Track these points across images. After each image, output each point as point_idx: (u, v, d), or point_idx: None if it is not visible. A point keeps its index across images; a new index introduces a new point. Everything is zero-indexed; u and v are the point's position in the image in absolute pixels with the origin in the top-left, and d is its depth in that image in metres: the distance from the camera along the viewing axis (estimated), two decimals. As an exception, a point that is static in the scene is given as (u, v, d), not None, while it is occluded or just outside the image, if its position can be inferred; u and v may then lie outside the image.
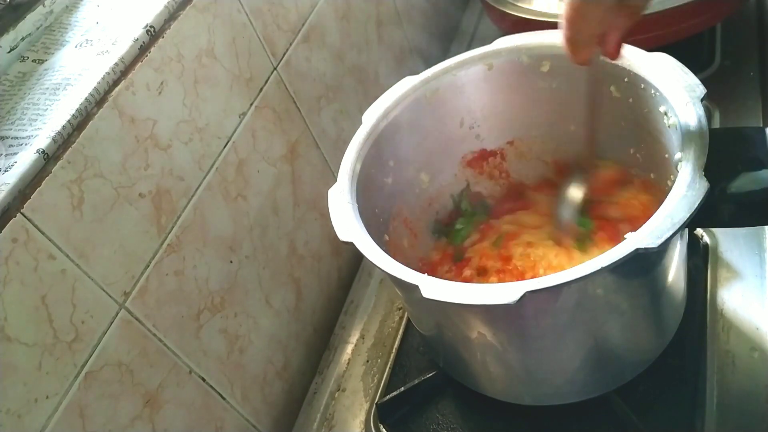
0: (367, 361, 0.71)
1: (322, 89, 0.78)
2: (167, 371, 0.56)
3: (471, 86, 0.64)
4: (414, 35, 1.01)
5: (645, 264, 0.49)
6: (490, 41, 0.63)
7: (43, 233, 0.46)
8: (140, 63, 0.53)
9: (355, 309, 0.77)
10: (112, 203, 0.51)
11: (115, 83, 0.52)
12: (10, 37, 0.56)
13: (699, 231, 0.66)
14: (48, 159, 0.47)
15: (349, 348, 0.73)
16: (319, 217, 0.77)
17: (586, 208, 0.61)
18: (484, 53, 0.63)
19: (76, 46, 0.56)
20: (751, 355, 0.57)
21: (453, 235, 0.68)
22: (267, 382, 0.69)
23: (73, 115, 0.49)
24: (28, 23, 0.57)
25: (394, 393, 0.64)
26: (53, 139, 0.47)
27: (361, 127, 0.60)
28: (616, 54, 0.48)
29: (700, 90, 0.50)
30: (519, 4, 0.85)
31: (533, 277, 0.55)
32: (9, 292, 0.44)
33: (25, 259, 0.44)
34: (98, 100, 0.51)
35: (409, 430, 0.62)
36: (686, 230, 0.54)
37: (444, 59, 0.64)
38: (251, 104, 0.66)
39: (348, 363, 0.72)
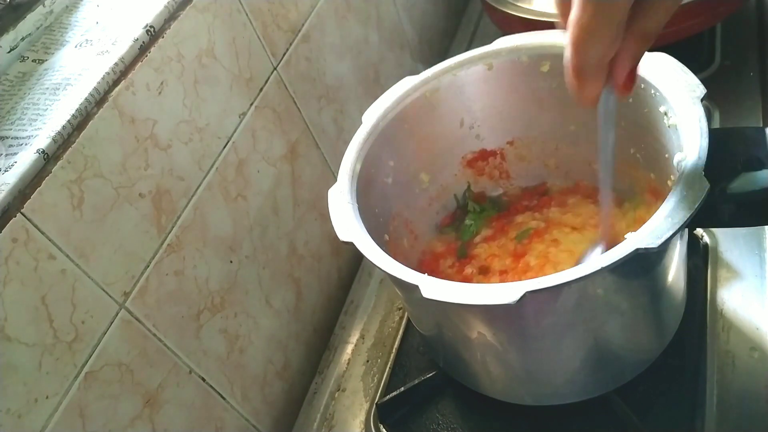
0: (367, 361, 0.71)
1: (322, 89, 0.78)
2: (167, 371, 0.56)
3: (471, 86, 0.64)
4: (414, 35, 1.01)
5: (645, 264, 0.49)
6: (490, 41, 0.63)
7: (43, 233, 0.46)
8: (140, 63, 0.53)
9: (355, 309, 0.77)
10: (112, 203, 0.51)
11: (115, 83, 0.52)
12: (10, 37, 0.56)
13: (699, 231, 0.66)
14: (48, 159, 0.47)
15: (349, 348, 0.73)
16: (319, 217, 0.77)
17: None
18: (484, 53, 0.63)
19: (76, 46, 0.56)
20: (751, 355, 0.57)
21: (463, 230, 0.68)
22: (267, 382, 0.69)
23: (73, 115, 0.49)
24: (28, 23, 0.57)
25: (394, 393, 0.64)
26: (53, 139, 0.47)
27: (361, 127, 0.60)
28: (629, 88, 0.41)
29: (700, 90, 0.50)
30: (519, 4, 0.85)
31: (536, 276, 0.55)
32: (9, 292, 0.44)
33: (25, 259, 0.44)
34: (98, 100, 0.51)
35: (409, 430, 0.62)
36: (686, 230, 0.54)
37: (444, 59, 0.64)
38: (251, 104, 0.66)
39: (348, 363, 0.72)
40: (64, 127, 0.48)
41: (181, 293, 0.58)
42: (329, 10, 0.79)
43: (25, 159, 0.46)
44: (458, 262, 0.66)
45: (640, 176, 0.60)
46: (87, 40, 0.56)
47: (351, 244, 0.51)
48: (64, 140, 0.48)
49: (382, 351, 0.71)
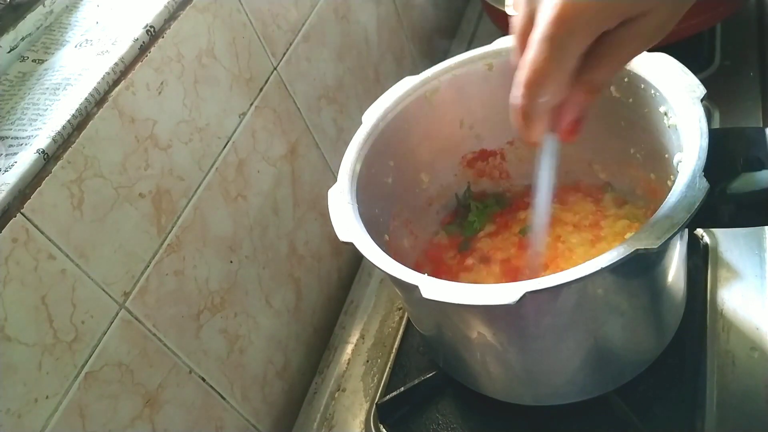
0: (367, 361, 0.71)
1: (322, 89, 0.78)
2: (167, 371, 0.56)
3: (471, 86, 0.64)
4: (414, 35, 1.01)
5: (645, 264, 0.49)
6: (490, 41, 0.63)
7: (43, 233, 0.46)
8: (140, 63, 0.53)
9: (355, 309, 0.77)
10: (112, 203, 0.51)
11: (115, 83, 0.52)
12: (10, 37, 0.56)
13: (699, 231, 0.66)
14: (48, 159, 0.47)
15: (349, 348, 0.73)
16: (319, 217, 0.77)
17: None
18: (484, 53, 0.63)
19: (76, 46, 0.56)
20: (751, 355, 0.57)
21: (465, 227, 0.69)
22: (267, 382, 0.69)
23: (73, 115, 0.49)
24: (28, 23, 0.57)
25: (394, 393, 0.64)
26: (53, 139, 0.47)
27: (361, 127, 0.60)
28: (572, 135, 0.42)
29: (700, 90, 0.50)
30: (519, 4, 0.85)
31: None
32: (9, 292, 0.44)
33: (25, 259, 0.44)
34: (98, 100, 0.51)
35: (409, 430, 0.62)
36: (686, 230, 0.54)
37: (444, 59, 0.64)
38: (251, 104, 0.66)
39: (348, 363, 0.72)
40: (64, 127, 0.48)
41: (181, 293, 0.58)
42: (329, 10, 0.79)
43: (25, 159, 0.46)
44: (459, 254, 0.66)
45: (640, 176, 0.60)
46: (87, 40, 0.56)
47: (351, 245, 0.51)
48: (64, 140, 0.48)
49: (382, 351, 0.71)
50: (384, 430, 0.63)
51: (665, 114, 0.51)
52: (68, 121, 0.48)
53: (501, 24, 0.90)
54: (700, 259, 0.64)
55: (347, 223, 0.52)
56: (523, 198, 0.69)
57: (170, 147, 0.57)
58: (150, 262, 0.55)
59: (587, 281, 0.43)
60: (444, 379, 0.63)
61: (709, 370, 0.57)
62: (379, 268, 0.49)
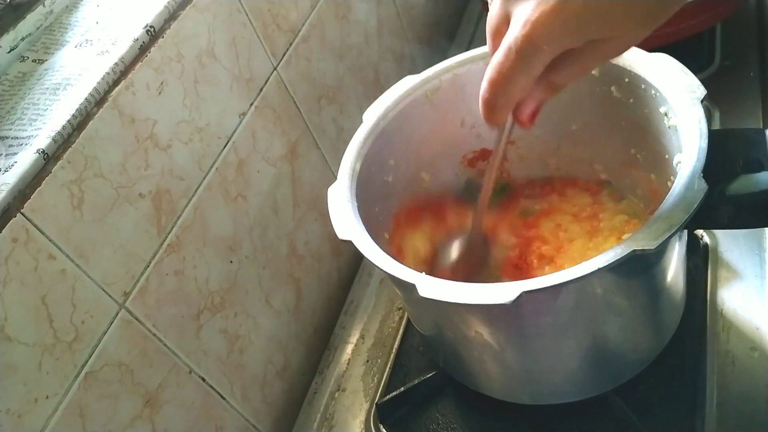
0: (367, 361, 0.71)
1: (322, 89, 0.78)
2: (167, 371, 0.56)
3: (472, 85, 0.64)
4: (414, 35, 1.01)
5: (643, 265, 0.49)
6: (489, 42, 0.63)
7: (43, 233, 0.46)
8: (140, 63, 0.53)
9: (355, 309, 0.77)
10: (112, 203, 0.51)
11: (115, 83, 0.52)
12: (10, 37, 0.56)
13: (699, 231, 0.66)
14: (48, 159, 0.47)
15: (349, 348, 0.73)
16: (319, 217, 0.77)
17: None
18: (485, 52, 0.62)
19: (76, 46, 0.56)
20: (751, 355, 0.57)
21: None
22: (267, 382, 0.69)
23: (73, 115, 0.49)
24: (28, 23, 0.57)
25: (394, 393, 0.64)
26: (53, 139, 0.47)
27: (362, 125, 0.60)
28: (529, 123, 0.45)
29: (701, 91, 0.50)
30: (519, 4, 0.85)
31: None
32: (9, 292, 0.44)
33: (25, 259, 0.44)
34: (98, 100, 0.51)
35: (409, 430, 0.62)
36: (685, 231, 0.54)
37: (444, 59, 0.64)
38: (251, 104, 0.66)
39: (348, 363, 0.72)
40: (64, 127, 0.48)
41: (181, 293, 0.58)
42: (329, 10, 0.79)
43: (25, 159, 0.46)
44: None
45: (640, 177, 0.60)
46: (87, 40, 0.56)
47: (349, 243, 0.51)
48: (64, 140, 0.48)
49: (382, 351, 0.71)
50: (384, 430, 0.63)
51: (665, 115, 0.51)
52: (68, 121, 0.48)
53: (501, 24, 0.90)
54: (700, 258, 0.64)
55: (346, 221, 0.52)
56: (524, 190, 0.70)
57: (170, 147, 0.57)
58: (150, 262, 0.55)
59: (584, 281, 0.43)
60: (444, 379, 0.63)
61: (709, 370, 0.57)
62: (377, 266, 0.49)
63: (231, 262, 0.64)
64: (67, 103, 0.50)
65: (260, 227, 0.68)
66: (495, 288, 0.43)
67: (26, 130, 0.49)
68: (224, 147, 0.63)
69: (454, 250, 0.62)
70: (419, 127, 0.64)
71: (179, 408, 0.57)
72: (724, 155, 0.47)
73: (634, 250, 0.41)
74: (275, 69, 0.70)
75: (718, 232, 0.66)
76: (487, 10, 0.45)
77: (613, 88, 0.57)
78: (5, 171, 0.45)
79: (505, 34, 0.40)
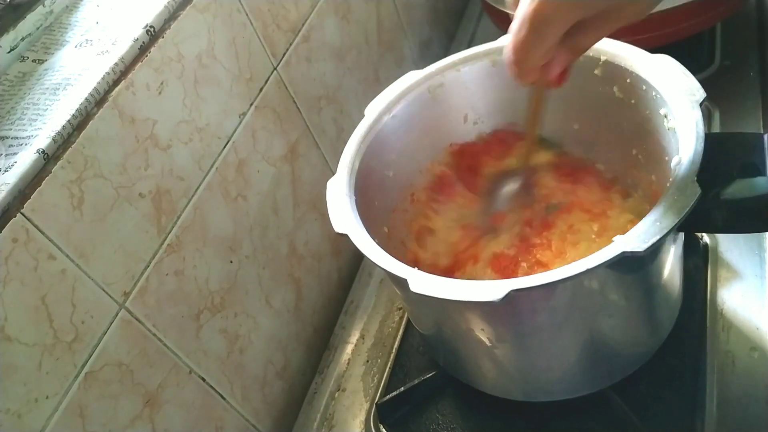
0: (367, 361, 0.71)
1: (322, 89, 0.78)
2: (167, 371, 0.56)
3: (475, 82, 0.64)
4: (414, 35, 1.01)
5: (635, 265, 0.49)
6: (490, 41, 0.63)
7: (43, 233, 0.46)
8: (140, 63, 0.53)
9: (355, 309, 0.77)
10: (112, 203, 0.51)
11: (115, 83, 0.52)
12: (10, 37, 0.56)
13: (698, 231, 0.67)
14: (48, 159, 0.47)
15: (349, 348, 0.73)
16: (319, 217, 0.77)
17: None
18: (488, 49, 0.63)
19: (76, 46, 0.56)
20: (751, 355, 0.57)
21: None
22: (267, 382, 0.69)
23: (73, 115, 0.49)
24: (28, 23, 0.57)
25: (394, 393, 0.64)
26: (53, 139, 0.47)
27: (363, 120, 0.60)
28: (560, 83, 0.47)
29: (700, 94, 0.50)
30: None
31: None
32: (9, 292, 0.44)
33: (25, 259, 0.44)
34: (98, 100, 0.51)
35: (409, 430, 0.62)
36: (681, 232, 0.54)
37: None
38: (251, 104, 0.66)
39: (348, 363, 0.72)
40: (64, 127, 0.48)
41: (181, 293, 0.58)
42: (329, 10, 0.79)
43: (25, 159, 0.46)
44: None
45: (642, 177, 0.60)
46: (87, 40, 0.56)
47: (345, 236, 0.51)
48: (64, 140, 0.48)
49: (382, 351, 0.71)
50: (384, 430, 0.63)
51: (665, 116, 0.51)
52: (68, 121, 0.48)
53: (501, 24, 0.90)
54: (699, 258, 0.64)
55: (343, 214, 0.52)
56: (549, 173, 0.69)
57: (170, 147, 0.57)
58: (150, 262, 0.55)
59: (575, 281, 0.43)
60: (444, 379, 0.63)
61: (709, 370, 0.57)
62: (371, 261, 0.49)
63: (231, 262, 0.64)
64: (67, 103, 0.50)
65: (260, 227, 0.68)
66: (485, 285, 0.44)
67: (26, 130, 0.49)
68: (224, 147, 0.63)
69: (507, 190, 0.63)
70: (422, 123, 0.64)
71: (179, 408, 0.57)
72: (721, 159, 0.47)
73: (624, 252, 0.42)
74: (275, 69, 0.70)
75: (718, 233, 0.66)
76: (487, 9, 0.45)
77: (615, 89, 0.57)
78: (5, 171, 0.45)
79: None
